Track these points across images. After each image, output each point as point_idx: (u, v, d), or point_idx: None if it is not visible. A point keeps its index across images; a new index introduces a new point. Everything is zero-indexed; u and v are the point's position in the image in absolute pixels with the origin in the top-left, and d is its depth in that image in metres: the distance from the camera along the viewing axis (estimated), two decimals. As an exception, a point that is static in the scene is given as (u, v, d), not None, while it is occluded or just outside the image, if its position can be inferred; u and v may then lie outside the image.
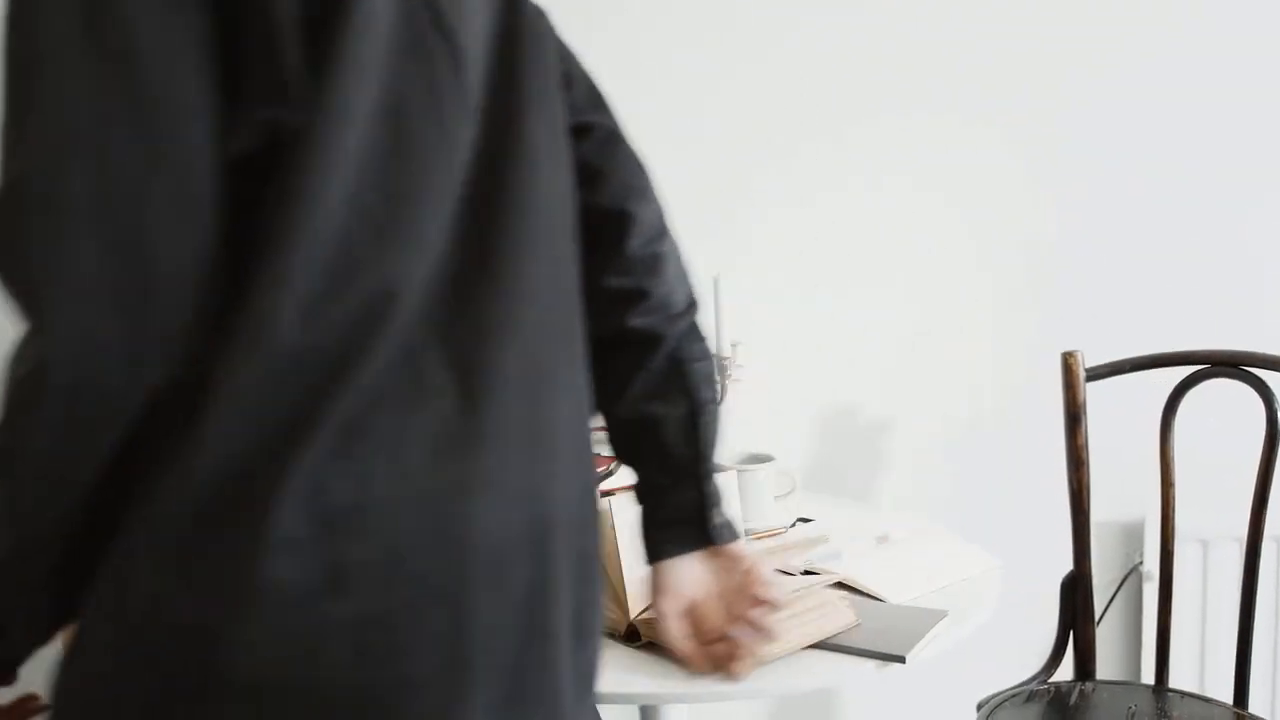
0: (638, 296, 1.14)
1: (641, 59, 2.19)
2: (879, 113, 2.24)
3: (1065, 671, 2.00)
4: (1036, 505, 2.26)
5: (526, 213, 0.97)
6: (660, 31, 2.19)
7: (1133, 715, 1.87)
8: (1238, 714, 1.89)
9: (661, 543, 1.16)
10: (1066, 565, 2.00)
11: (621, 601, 1.36)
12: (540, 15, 1.06)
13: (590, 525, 0.98)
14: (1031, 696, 1.90)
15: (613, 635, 1.37)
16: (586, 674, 0.98)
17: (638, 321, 1.14)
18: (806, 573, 1.53)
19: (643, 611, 1.34)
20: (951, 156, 2.26)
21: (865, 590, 1.50)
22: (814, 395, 2.30)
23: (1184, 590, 2.27)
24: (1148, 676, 2.28)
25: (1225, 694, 2.06)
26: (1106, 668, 2.35)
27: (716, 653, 1.15)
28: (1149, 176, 2.29)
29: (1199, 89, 2.27)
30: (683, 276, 1.20)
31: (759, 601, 1.13)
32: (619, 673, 1.30)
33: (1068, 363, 1.97)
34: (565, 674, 0.93)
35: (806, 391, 2.29)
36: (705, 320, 2.06)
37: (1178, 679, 2.25)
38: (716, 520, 1.15)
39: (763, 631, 1.13)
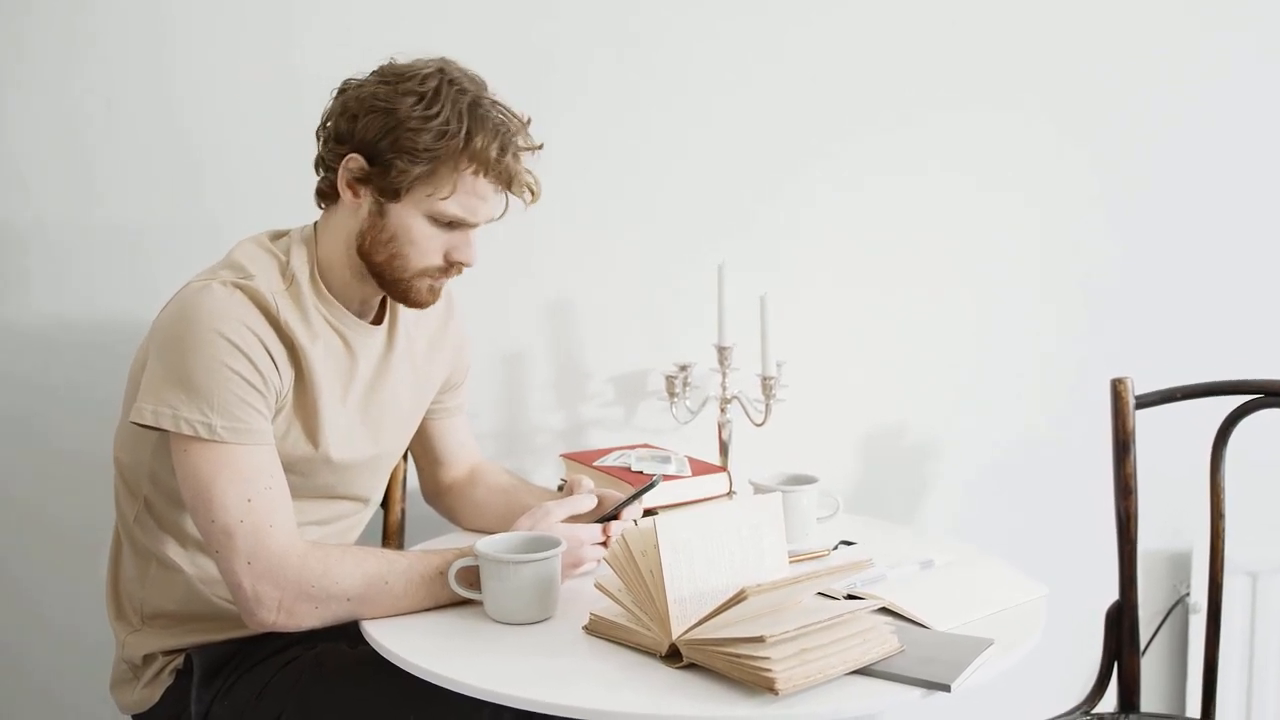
0: None
1: (665, 72, 2.19)
2: (934, 146, 2.23)
3: (1109, 703, 1.97)
4: (1083, 533, 2.23)
5: None
6: (683, 34, 2.19)
7: (1178, 749, 1.84)
8: (1286, 751, 1.85)
9: None
10: (1112, 594, 1.97)
11: (663, 621, 1.35)
12: None
13: None
14: (1075, 727, 1.88)
15: (654, 655, 1.36)
16: None
17: None
18: (850, 597, 1.52)
19: (685, 631, 1.33)
20: (1002, 185, 2.25)
21: (909, 616, 1.48)
22: (859, 417, 2.28)
23: (1232, 622, 2.24)
24: (1193, 710, 2.25)
25: (1273, 730, 2.03)
26: (1151, 700, 2.32)
27: None
28: (1204, 203, 2.27)
29: (1254, 118, 2.25)
30: None
31: None
32: (660, 694, 1.28)
33: (1117, 389, 1.94)
34: None
35: (852, 413, 2.28)
36: (751, 340, 2.07)
37: (1224, 713, 2.21)
38: None
39: None
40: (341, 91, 1.62)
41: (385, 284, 1.63)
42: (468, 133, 1.53)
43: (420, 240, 1.58)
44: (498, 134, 1.56)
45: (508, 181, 1.59)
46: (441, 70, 1.57)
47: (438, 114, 1.53)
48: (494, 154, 1.55)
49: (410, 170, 1.54)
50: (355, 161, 1.57)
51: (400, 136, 1.53)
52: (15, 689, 2.19)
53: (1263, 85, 2.25)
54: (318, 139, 1.65)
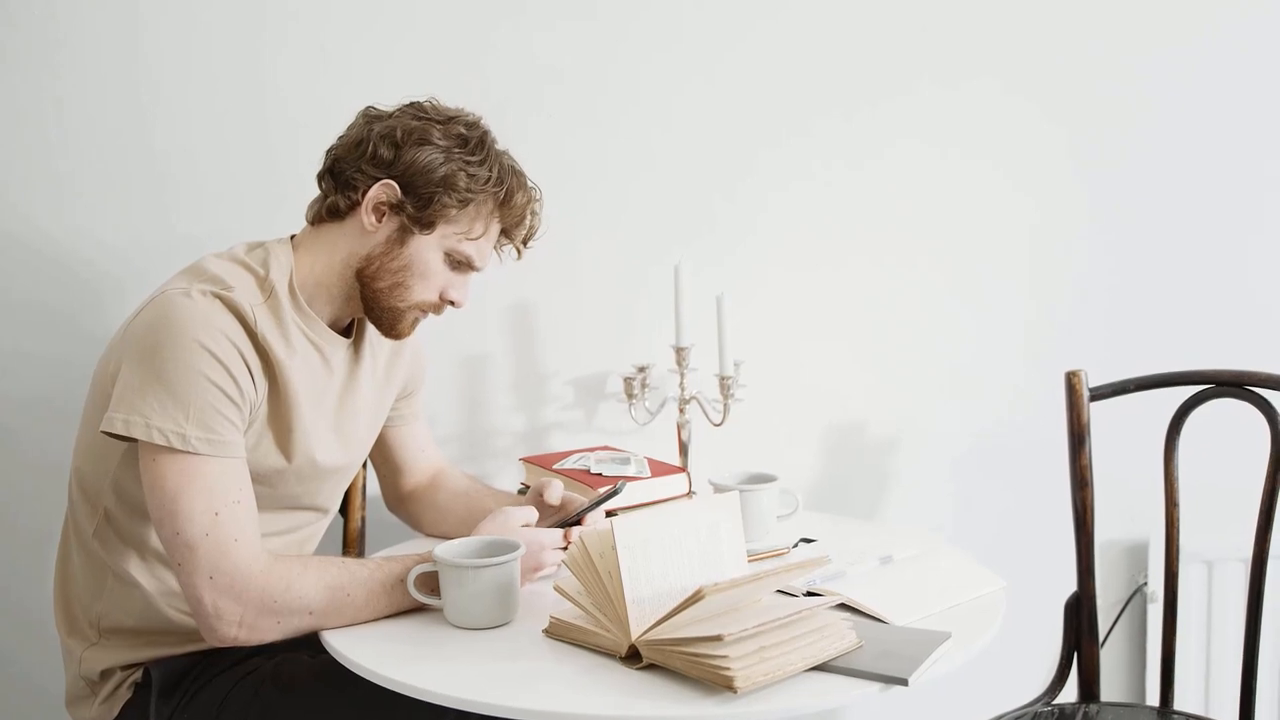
0: None
1: (620, 70, 2.19)
2: (888, 134, 2.24)
3: (1069, 693, 1.99)
4: (1040, 525, 2.25)
5: None
6: (639, 33, 2.19)
7: (1138, 737, 1.86)
8: (1243, 736, 1.87)
9: None
10: (1070, 586, 1.99)
11: (623, 622, 1.35)
12: None
13: None
14: (1035, 719, 1.89)
15: (614, 657, 1.37)
16: None
17: None
18: (809, 594, 1.52)
19: (644, 632, 1.33)
20: (957, 183, 2.26)
21: (868, 612, 1.49)
22: (819, 415, 2.29)
23: (1189, 611, 2.26)
24: (1153, 698, 2.27)
25: (1231, 715, 2.05)
26: (1111, 689, 2.34)
27: None
28: (1153, 196, 2.29)
29: (1205, 112, 2.27)
30: None
31: None
32: (620, 695, 1.29)
33: (1071, 382, 1.96)
34: None
35: (811, 411, 2.29)
36: (709, 339, 2.07)
37: (1183, 700, 2.23)
38: None
39: None
40: (373, 118, 1.64)
41: (376, 310, 1.66)
42: (510, 189, 1.64)
43: (430, 275, 1.64)
44: (530, 199, 1.69)
45: (525, 239, 1.73)
46: (481, 122, 1.67)
47: (485, 160, 1.62)
48: (526, 216, 1.69)
49: (451, 208, 1.60)
50: (390, 188, 1.59)
51: (450, 174, 1.59)
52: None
53: (1210, 78, 2.27)
54: (327, 156, 1.66)
